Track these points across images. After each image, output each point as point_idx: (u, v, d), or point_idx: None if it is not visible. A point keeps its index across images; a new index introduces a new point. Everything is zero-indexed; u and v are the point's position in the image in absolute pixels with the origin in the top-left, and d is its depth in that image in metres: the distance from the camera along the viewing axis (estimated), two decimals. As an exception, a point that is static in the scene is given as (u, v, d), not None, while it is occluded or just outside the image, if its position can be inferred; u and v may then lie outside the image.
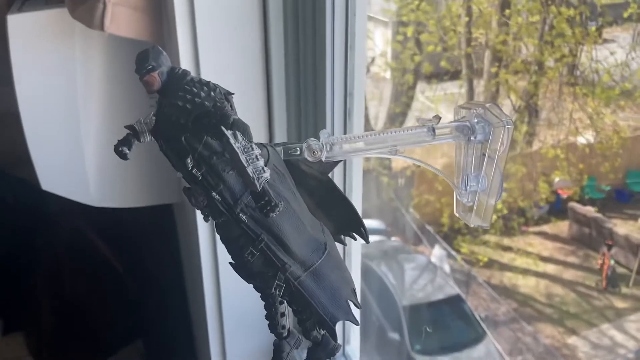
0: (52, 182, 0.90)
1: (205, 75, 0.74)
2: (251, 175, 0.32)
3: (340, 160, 0.39)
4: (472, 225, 0.41)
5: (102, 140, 0.88)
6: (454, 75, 3.70)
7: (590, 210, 3.72)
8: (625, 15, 3.38)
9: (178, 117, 0.34)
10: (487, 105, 0.39)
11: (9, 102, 0.92)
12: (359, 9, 0.68)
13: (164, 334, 1.40)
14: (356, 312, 0.39)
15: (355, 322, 0.38)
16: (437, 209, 3.56)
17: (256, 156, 0.32)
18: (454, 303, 3.18)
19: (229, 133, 0.32)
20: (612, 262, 3.43)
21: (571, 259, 3.73)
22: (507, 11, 3.53)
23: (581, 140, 3.67)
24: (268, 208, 0.33)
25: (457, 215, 0.42)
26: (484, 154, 0.39)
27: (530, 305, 3.51)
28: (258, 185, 0.32)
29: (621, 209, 3.75)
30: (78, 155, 0.89)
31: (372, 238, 3.02)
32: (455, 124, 0.40)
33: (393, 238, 3.46)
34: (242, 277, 0.37)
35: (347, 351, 0.82)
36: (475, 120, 0.39)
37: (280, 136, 0.81)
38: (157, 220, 1.26)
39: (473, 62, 3.66)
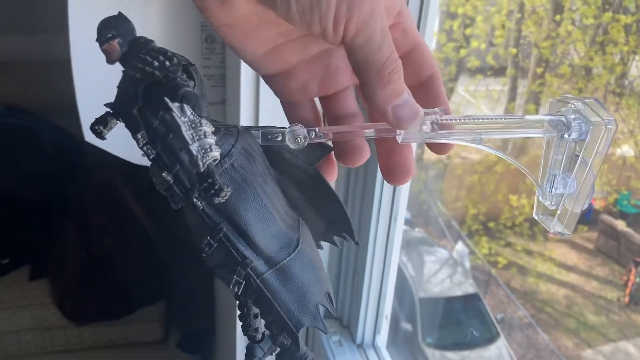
0: (96, 134, 0.89)
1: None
2: (195, 153, 0.29)
3: (328, 151, 0.36)
4: (551, 231, 0.38)
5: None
6: (498, 72, 3.62)
7: (621, 224, 3.64)
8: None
9: (128, 88, 0.31)
10: (588, 100, 0.36)
11: (57, 50, 0.91)
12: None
13: (186, 298, 1.40)
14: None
15: (324, 330, 0.34)
16: (464, 205, 3.52)
17: (204, 133, 0.30)
18: (471, 301, 3.16)
19: (175, 106, 0.29)
20: (639, 279, 3.36)
21: (595, 271, 3.66)
22: (558, 17, 3.43)
23: (621, 152, 3.57)
24: (212, 192, 0.30)
25: (535, 217, 0.39)
26: (577, 155, 0.36)
27: (547, 313, 3.47)
28: (201, 165, 0.30)
29: (654, 226, 3.65)
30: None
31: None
32: (549, 117, 0.36)
33: (417, 229, 3.43)
34: (210, 270, 0.34)
35: (376, 342, 0.80)
36: (572, 117, 0.36)
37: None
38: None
39: (520, 60, 3.58)
